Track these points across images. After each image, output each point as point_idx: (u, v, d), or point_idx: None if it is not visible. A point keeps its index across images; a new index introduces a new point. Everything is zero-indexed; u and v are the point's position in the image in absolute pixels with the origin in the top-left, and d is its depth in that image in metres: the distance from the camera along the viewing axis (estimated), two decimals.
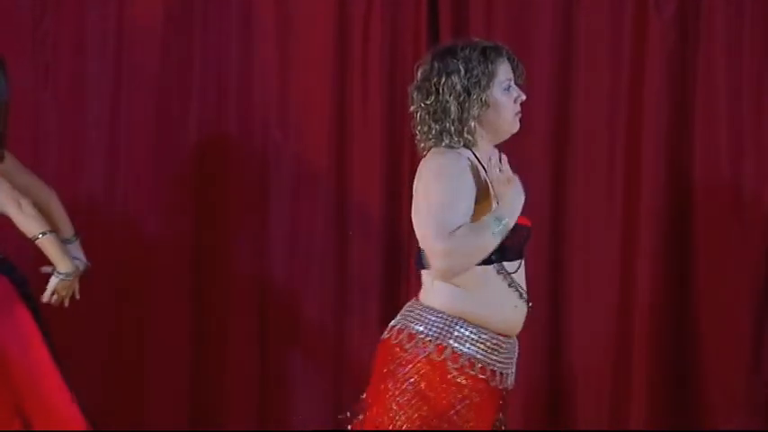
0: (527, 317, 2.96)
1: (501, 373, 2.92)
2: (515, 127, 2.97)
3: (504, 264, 2.90)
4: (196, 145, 4.78)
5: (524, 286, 2.98)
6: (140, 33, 4.70)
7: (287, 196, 4.74)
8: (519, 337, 3.00)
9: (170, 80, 4.72)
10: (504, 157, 2.90)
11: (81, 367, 4.55)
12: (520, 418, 4.40)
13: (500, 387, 2.93)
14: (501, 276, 2.89)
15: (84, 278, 4.48)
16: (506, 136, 3.00)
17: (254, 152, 4.75)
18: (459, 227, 2.71)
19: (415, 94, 2.96)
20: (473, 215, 2.82)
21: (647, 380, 4.53)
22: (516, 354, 3.01)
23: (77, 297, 3.90)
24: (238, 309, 4.77)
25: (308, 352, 4.84)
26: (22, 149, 4.28)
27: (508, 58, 2.97)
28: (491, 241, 2.74)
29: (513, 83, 2.96)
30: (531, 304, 2.99)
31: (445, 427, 2.86)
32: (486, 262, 2.85)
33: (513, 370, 2.99)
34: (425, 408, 2.84)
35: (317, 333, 4.84)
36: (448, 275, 2.77)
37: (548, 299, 4.62)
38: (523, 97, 2.98)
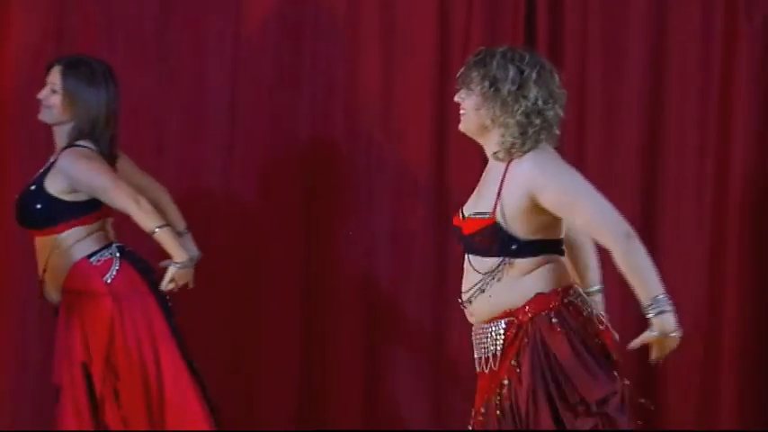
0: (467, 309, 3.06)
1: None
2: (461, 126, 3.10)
3: None
4: (305, 145, 4.89)
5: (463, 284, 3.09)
6: (255, 42, 4.82)
7: (389, 196, 4.84)
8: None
9: (281, 85, 4.83)
10: None
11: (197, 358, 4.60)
12: None
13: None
14: None
15: (201, 273, 4.49)
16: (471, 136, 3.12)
17: (359, 153, 4.86)
18: None
19: None
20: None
21: (735, 374, 4.62)
22: (482, 335, 3.08)
23: (191, 286, 4.00)
24: (344, 303, 4.86)
25: (411, 346, 4.91)
26: (148, 149, 4.50)
27: None
28: None
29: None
30: (460, 300, 3.11)
31: None
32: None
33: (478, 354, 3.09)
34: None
35: (418, 328, 4.88)
36: None
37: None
38: (455, 99, 3.09)
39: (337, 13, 4.80)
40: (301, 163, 4.87)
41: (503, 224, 2.95)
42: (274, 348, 4.90)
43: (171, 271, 3.90)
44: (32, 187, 3.99)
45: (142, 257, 4.05)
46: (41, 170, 4.03)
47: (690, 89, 4.67)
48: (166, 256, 3.94)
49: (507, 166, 3.00)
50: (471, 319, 3.08)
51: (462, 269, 3.08)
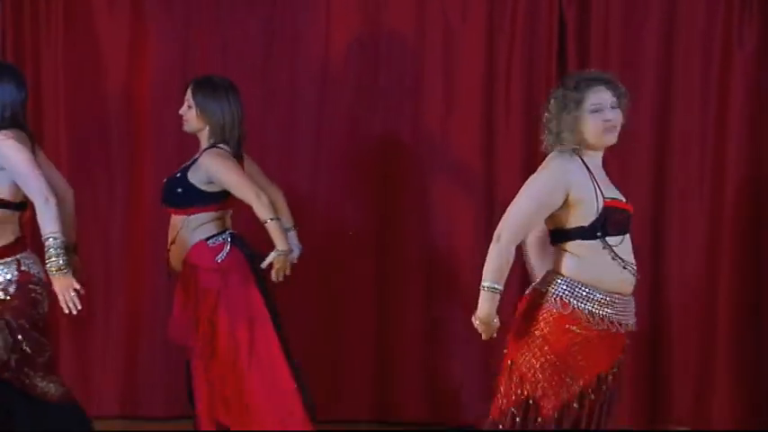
0: (637, 282, 3.30)
1: (618, 323, 3.29)
2: (603, 140, 3.32)
3: (607, 239, 3.27)
4: (379, 147, 5.27)
5: (629, 259, 3.29)
6: (339, 63, 5.23)
7: (447, 187, 5.19)
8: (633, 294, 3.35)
9: (361, 98, 5.22)
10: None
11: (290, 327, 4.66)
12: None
13: (620, 332, 3.29)
14: (606, 250, 3.26)
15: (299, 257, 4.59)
16: (600, 146, 3.35)
17: (423, 152, 5.23)
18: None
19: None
20: (563, 210, 3.26)
21: (728, 313, 5.04)
22: (632, 307, 3.35)
23: (287, 273, 4.26)
24: (411, 278, 5.23)
25: (466, 311, 4.92)
26: (253, 149, 4.64)
27: (606, 86, 3.33)
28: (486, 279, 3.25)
29: (605, 106, 3.30)
30: (638, 276, 3.29)
31: (560, 362, 3.24)
32: (593, 238, 3.24)
33: (632, 320, 3.34)
34: (546, 348, 3.26)
35: (472, 297, 4.99)
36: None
37: (651, 257, 5.06)
38: (609, 117, 3.30)
39: (407, 39, 5.22)
40: (376, 162, 5.26)
41: None
42: (353, 317, 5.25)
43: (272, 255, 4.20)
44: (178, 175, 4.31)
45: (248, 243, 4.32)
46: (187, 163, 4.33)
47: (692, 104, 5.07)
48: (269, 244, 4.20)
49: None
50: (631, 288, 3.32)
51: (620, 253, 3.28)
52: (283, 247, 4.22)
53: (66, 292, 3.76)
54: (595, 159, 3.37)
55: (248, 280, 4.30)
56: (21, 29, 5.29)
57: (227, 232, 4.32)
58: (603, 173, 3.39)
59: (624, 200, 3.37)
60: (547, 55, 5.13)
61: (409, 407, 5.31)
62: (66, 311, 3.79)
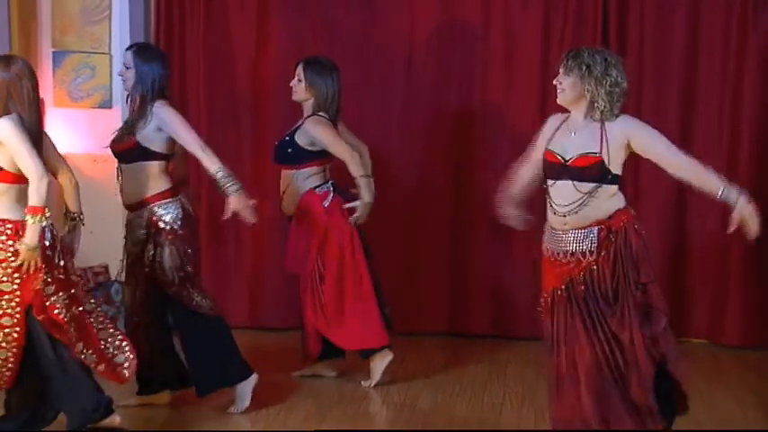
0: None
1: (550, 251, 3.72)
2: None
3: (547, 180, 3.65)
4: (453, 113, 5.90)
5: (558, 201, 3.62)
6: (422, 45, 5.87)
7: (506, 147, 5.64)
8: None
9: (439, 73, 5.80)
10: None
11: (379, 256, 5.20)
12: (658, 257, 5.03)
13: (556, 260, 3.71)
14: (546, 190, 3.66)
15: (387, 201, 5.21)
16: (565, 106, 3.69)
17: (489, 119, 5.86)
18: None
19: None
20: None
21: (740, 245, 5.34)
22: (564, 241, 3.65)
23: (360, 222, 4.66)
24: (478, 218, 5.80)
25: (523, 244, 5.67)
26: (351, 119, 5.19)
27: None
28: None
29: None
30: (565, 216, 3.59)
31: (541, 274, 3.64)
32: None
33: (562, 251, 3.64)
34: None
35: (529, 233, 5.30)
36: None
37: (676, 195, 5.64)
38: (554, 81, 3.67)
39: (476, 27, 5.83)
40: (451, 125, 5.87)
41: (606, 162, 3.61)
42: (431, 262, 5.86)
43: (357, 203, 4.73)
44: (287, 138, 4.78)
45: (346, 190, 4.82)
46: (293, 127, 4.79)
47: (713, 76, 5.64)
48: None
49: (603, 125, 3.60)
50: (564, 227, 3.62)
51: (553, 196, 3.62)
52: (368, 200, 4.71)
53: (246, 207, 4.16)
54: (573, 117, 3.76)
55: (346, 218, 4.81)
56: (170, 21, 5.97)
57: (330, 182, 4.85)
58: (581, 130, 3.65)
59: (562, 155, 3.65)
60: (592, 38, 5.72)
61: (476, 321, 5.94)
62: (249, 221, 4.22)
